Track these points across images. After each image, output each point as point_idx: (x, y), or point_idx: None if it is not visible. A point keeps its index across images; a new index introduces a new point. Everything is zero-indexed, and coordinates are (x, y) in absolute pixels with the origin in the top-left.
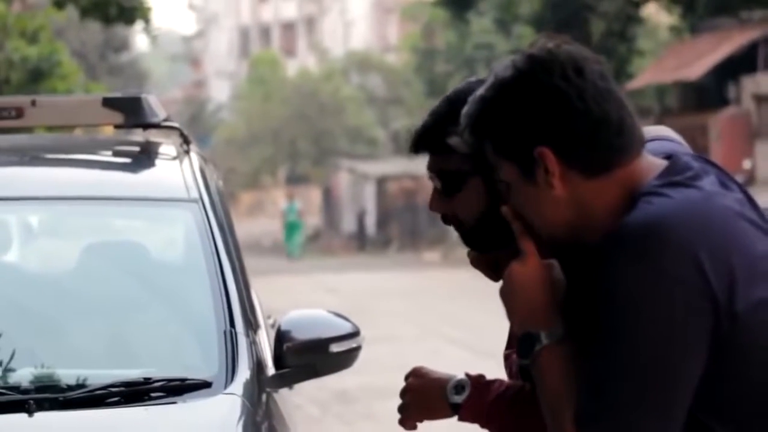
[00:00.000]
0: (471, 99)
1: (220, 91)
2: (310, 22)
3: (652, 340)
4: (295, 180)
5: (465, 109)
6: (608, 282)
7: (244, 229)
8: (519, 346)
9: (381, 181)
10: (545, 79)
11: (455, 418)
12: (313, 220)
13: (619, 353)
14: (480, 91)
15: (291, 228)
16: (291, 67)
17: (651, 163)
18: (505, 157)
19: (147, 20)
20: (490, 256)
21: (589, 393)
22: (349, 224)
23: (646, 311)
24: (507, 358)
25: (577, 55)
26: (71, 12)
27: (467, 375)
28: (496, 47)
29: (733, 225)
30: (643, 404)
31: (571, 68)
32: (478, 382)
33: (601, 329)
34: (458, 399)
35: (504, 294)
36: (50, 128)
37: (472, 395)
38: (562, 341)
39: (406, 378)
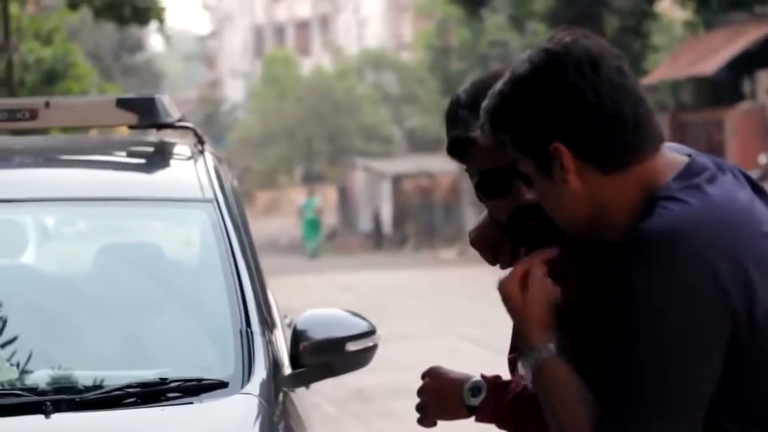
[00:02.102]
0: (490, 93)
1: (235, 91)
2: (324, 21)
3: (669, 351)
4: (311, 179)
5: (484, 104)
6: (625, 290)
7: (261, 228)
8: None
9: (396, 180)
10: (560, 75)
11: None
12: (330, 218)
13: (635, 364)
14: (498, 85)
15: (310, 225)
16: (305, 66)
17: (670, 161)
18: (522, 152)
19: (161, 20)
20: (491, 237)
21: (606, 402)
22: (365, 223)
23: (663, 322)
24: (512, 362)
25: (594, 49)
26: (85, 13)
27: (483, 377)
28: (511, 44)
29: (750, 231)
30: (660, 414)
31: (587, 63)
32: (494, 383)
33: (619, 338)
34: (475, 401)
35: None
36: (65, 129)
37: (489, 397)
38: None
39: (423, 377)
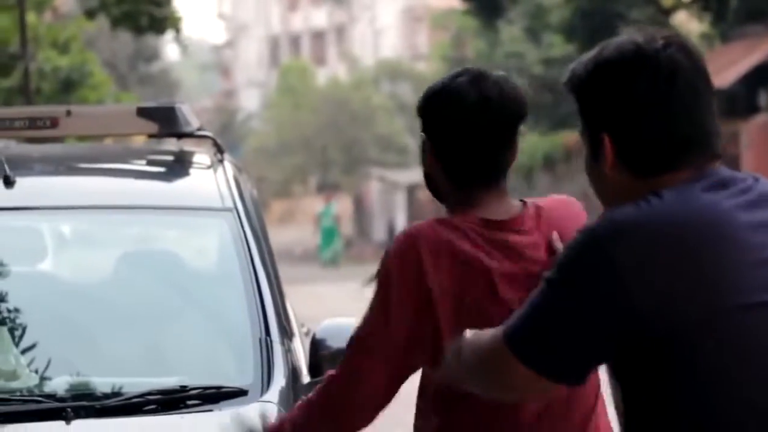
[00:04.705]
0: (580, 59)
1: (250, 100)
2: (340, 31)
3: (560, 306)
4: (325, 188)
5: (573, 65)
6: (563, 254)
7: (276, 237)
8: None
9: (411, 190)
10: (634, 76)
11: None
12: (345, 228)
13: (544, 304)
14: (589, 54)
15: (327, 234)
16: (321, 76)
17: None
18: (583, 123)
19: (177, 30)
20: None
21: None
22: (379, 232)
23: (570, 284)
24: None
25: (679, 62)
26: (102, 22)
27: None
28: (526, 56)
29: (722, 245)
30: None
31: (664, 75)
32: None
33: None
34: None
35: None
36: (81, 138)
37: None
38: None
39: None
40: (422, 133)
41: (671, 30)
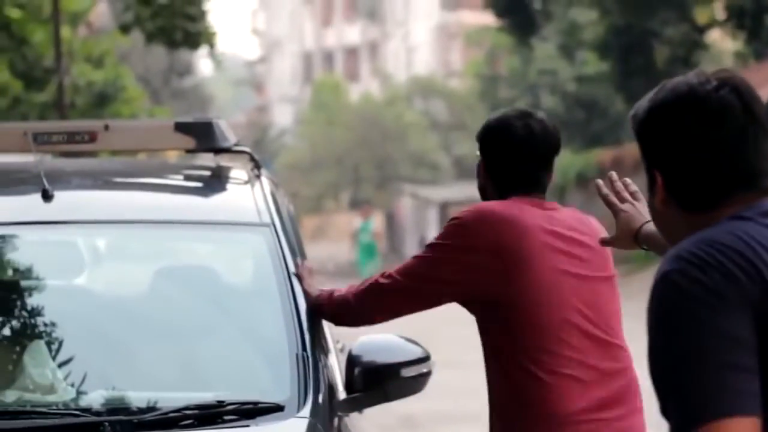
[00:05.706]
0: (645, 97)
1: (283, 116)
2: (373, 47)
3: (684, 341)
4: (358, 204)
5: (638, 104)
6: (650, 295)
7: (308, 253)
8: None
9: (444, 206)
10: (681, 116)
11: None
12: (378, 244)
13: (661, 357)
14: (650, 94)
15: (366, 250)
16: (354, 92)
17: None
18: (643, 161)
19: (212, 45)
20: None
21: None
22: (411, 249)
23: (673, 321)
24: None
25: (729, 103)
26: (136, 36)
27: None
28: (560, 73)
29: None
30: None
31: (713, 117)
32: None
33: (649, 340)
34: None
35: None
36: (114, 152)
37: None
38: None
39: None
40: (478, 154)
41: (704, 47)
